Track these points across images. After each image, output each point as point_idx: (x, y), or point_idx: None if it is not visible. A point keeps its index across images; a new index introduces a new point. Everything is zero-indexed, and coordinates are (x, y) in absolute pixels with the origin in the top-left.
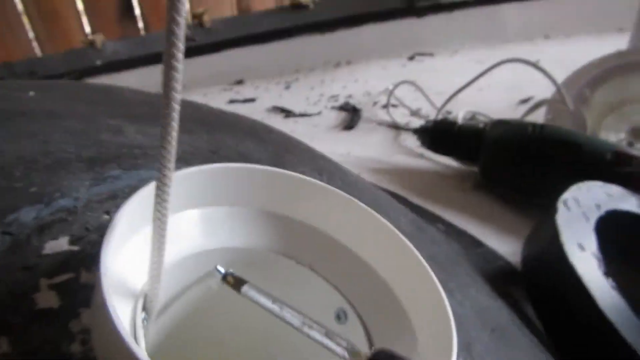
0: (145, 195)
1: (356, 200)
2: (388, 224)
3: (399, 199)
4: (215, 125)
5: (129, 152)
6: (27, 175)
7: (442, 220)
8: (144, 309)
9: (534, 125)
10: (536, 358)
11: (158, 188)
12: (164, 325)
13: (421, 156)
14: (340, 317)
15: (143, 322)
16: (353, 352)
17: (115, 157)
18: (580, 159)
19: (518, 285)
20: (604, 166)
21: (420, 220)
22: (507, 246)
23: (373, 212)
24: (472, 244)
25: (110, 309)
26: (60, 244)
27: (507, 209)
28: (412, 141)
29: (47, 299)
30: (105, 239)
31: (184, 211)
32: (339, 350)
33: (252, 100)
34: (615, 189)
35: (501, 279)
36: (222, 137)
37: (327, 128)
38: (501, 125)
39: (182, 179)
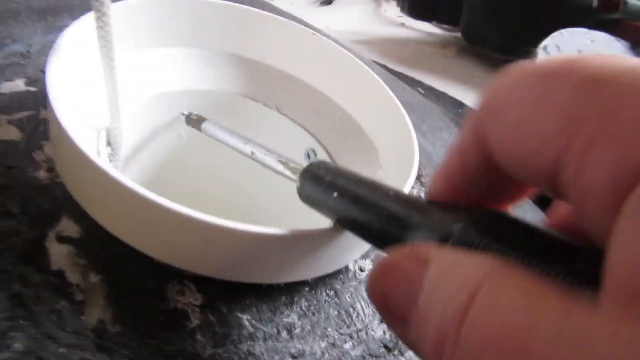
0: (90, 23)
1: (322, 36)
2: (357, 59)
3: (378, 66)
4: None
5: (82, 3)
6: None
7: (422, 84)
8: (109, 144)
9: None
10: None
11: (96, 8)
12: (137, 172)
13: (402, 25)
14: (310, 156)
15: (110, 157)
16: (291, 167)
17: (67, 8)
18: (566, 9)
19: None
20: (589, 14)
21: (393, 76)
22: None
23: (340, 47)
24: (452, 104)
25: (59, 116)
26: (16, 85)
27: (490, 71)
28: (393, 11)
29: (7, 132)
30: (50, 55)
31: (139, 51)
32: (281, 168)
33: None
34: (599, 35)
35: None
36: None
37: (305, 4)
38: None
39: (130, 10)
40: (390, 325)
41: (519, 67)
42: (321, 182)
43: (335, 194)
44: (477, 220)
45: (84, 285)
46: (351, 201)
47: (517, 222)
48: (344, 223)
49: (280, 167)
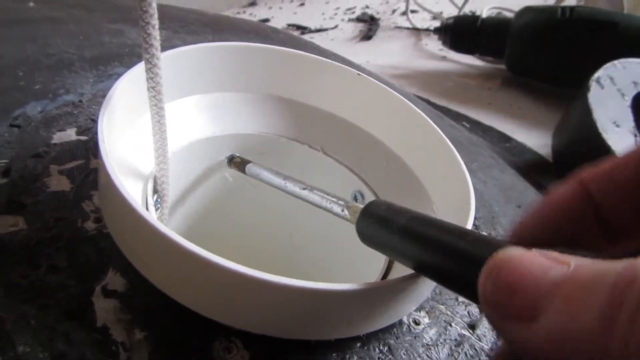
0: (141, 72)
1: (366, 76)
2: (403, 98)
3: (421, 101)
4: (221, 26)
5: (132, 51)
6: (31, 74)
7: (468, 118)
8: (156, 191)
9: (564, 8)
10: None
11: (147, 60)
12: (183, 218)
13: (444, 58)
14: (357, 198)
15: (156, 205)
16: (350, 207)
17: (118, 56)
18: (616, 38)
19: (549, 174)
20: None
21: (438, 111)
22: (537, 139)
23: (385, 87)
24: (499, 139)
25: (109, 168)
26: (68, 135)
27: (537, 103)
28: (434, 45)
29: (58, 183)
30: (103, 107)
31: (187, 97)
32: (337, 208)
33: (266, 20)
34: None
35: (531, 169)
36: (227, 37)
37: (345, 40)
38: (529, 12)
39: (177, 58)
40: (505, 323)
41: None
42: (385, 221)
43: (401, 234)
44: None
45: (128, 342)
46: (420, 242)
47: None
48: (411, 264)
49: (333, 207)
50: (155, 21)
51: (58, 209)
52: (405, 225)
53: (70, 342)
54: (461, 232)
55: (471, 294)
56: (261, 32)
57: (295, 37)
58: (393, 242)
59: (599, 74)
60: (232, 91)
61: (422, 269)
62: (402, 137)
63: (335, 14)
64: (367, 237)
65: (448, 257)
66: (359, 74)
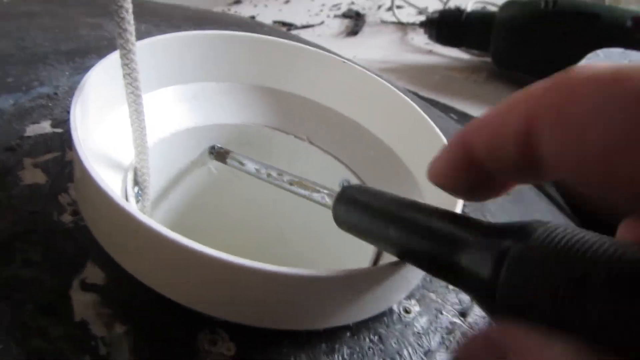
0: (116, 61)
1: (352, 64)
2: (389, 86)
3: (409, 93)
4: (204, 20)
5: (111, 44)
6: (2, 68)
7: (455, 110)
8: (136, 183)
9: (547, 1)
10: (554, 217)
11: (121, 45)
12: (166, 211)
13: (431, 52)
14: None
15: (137, 197)
16: (329, 193)
17: (96, 49)
18: (598, 30)
19: None
20: (624, 34)
21: (425, 102)
22: None
23: (371, 74)
24: None
25: (83, 156)
26: (42, 127)
27: None
28: (420, 39)
29: (32, 176)
30: (75, 95)
31: (167, 87)
32: (317, 195)
33: (252, 18)
34: (636, 55)
35: None
36: (210, 29)
37: (331, 36)
38: (512, 5)
39: (156, 47)
40: None
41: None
42: (359, 205)
43: (375, 217)
44: (533, 237)
45: (108, 337)
46: (394, 223)
47: (569, 234)
48: (386, 247)
49: (312, 193)
50: (128, 5)
51: (32, 202)
52: (379, 207)
53: (47, 338)
54: (437, 212)
55: (445, 275)
56: (245, 26)
57: (280, 30)
58: (367, 224)
59: (582, 63)
60: (214, 81)
61: (400, 253)
62: (389, 125)
63: (321, 11)
64: (342, 220)
65: (423, 238)
66: (344, 62)
